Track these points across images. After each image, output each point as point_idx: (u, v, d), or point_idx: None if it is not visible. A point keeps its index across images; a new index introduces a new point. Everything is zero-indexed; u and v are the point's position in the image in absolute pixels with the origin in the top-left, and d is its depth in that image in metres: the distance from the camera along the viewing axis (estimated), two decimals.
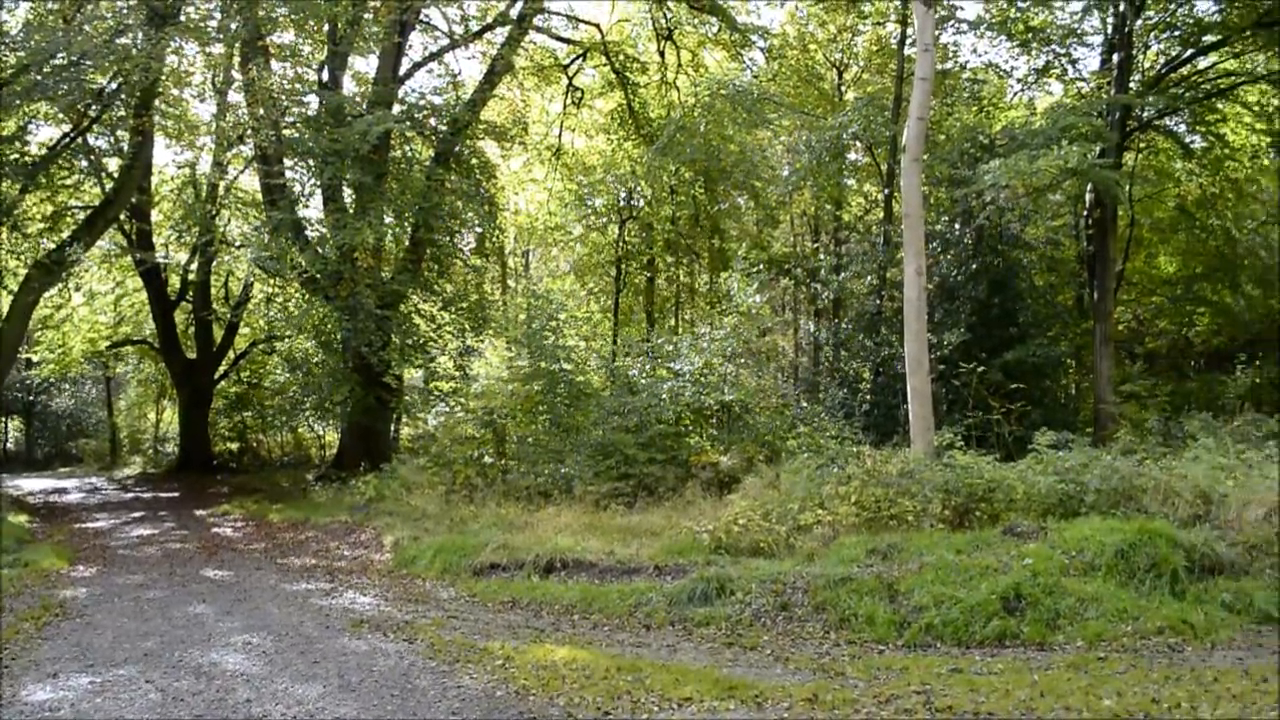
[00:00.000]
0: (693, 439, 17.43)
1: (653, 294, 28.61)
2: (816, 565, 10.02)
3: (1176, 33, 20.39)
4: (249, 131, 19.70)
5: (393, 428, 25.38)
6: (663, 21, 25.02)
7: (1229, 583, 9.02)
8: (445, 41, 22.91)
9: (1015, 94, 23.49)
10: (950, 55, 22.38)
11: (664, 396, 17.21)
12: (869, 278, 20.73)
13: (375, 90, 20.45)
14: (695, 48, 26.09)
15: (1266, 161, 23.20)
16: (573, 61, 26.16)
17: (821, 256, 25.46)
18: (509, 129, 23.37)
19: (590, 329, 24.49)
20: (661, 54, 25.57)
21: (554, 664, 7.82)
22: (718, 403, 17.39)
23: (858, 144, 23.01)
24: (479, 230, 22.77)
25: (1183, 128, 22.22)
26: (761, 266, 21.72)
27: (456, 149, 20.98)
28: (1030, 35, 19.95)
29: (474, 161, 21.69)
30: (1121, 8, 18.67)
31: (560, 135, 27.13)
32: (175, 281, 27.00)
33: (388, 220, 19.81)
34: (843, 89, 26.25)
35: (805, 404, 19.40)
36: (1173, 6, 19.79)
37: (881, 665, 7.74)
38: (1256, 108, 21.69)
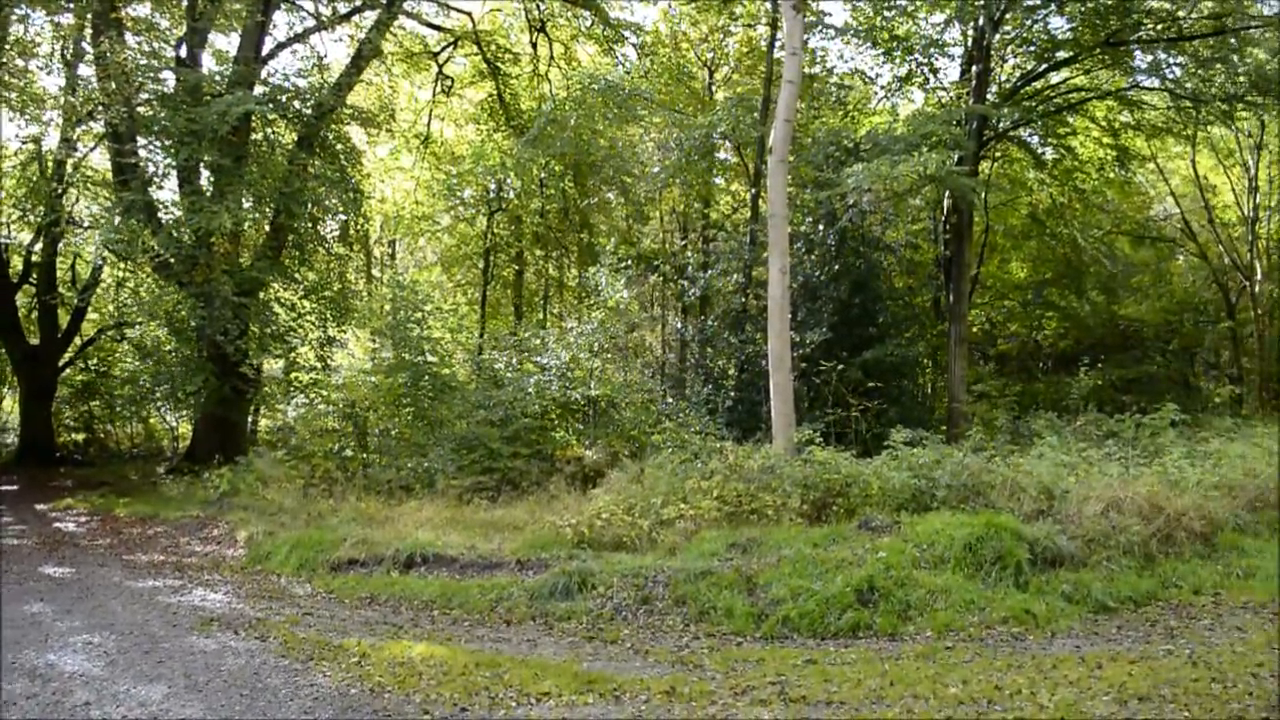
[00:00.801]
0: (558, 433, 17.38)
1: (521, 287, 28.44)
2: (678, 559, 10.09)
3: (1031, 48, 21.21)
4: (100, 107, 18.75)
5: (250, 419, 24.58)
6: (535, 13, 24.88)
7: (1069, 574, 9.45)
8: (311, 22, 22.30)
9: (880, 100, 24.13)
10: (819, 60, 22.87)
11: (530, 390, 17.11)
12: (735, 276, 20.99)
13: (236, 70, 19.71)
14: (568, 41, 26.02)
15: (1112, 174, 24.35)
16: (443, 49, 25.77)
17: (689, 254, 25.68)
18: (376, 115, 22.86)
19: (457, 321, 24.15)
20: (534, 45, 25.42)
21: (411, 661, 7.68)
22: (584, 397, 17.39)
23: (727, 143, 23.29)
24: (343, 218, 22.22)
25: (1035, 139, 23.15)
26: (630, 262, 21.80)
27: (321, 134, 20.42)
28: (895, 44, 20.46)
29: (339, 147, 21.12)
30: (981, 21, 19.30)
31: (429, 124, 26.71)
32: (18, 263, 25.56)
33: (247, 205, 19.13)
34: (713, 88, 26.53)
35: (671, 399, 19.54)
36: (1028, 23, 20.54)
37: (739, 657, 7.84)
38: (1104, 122, 22.71)
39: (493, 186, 26.43)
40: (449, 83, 26.04)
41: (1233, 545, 10.90)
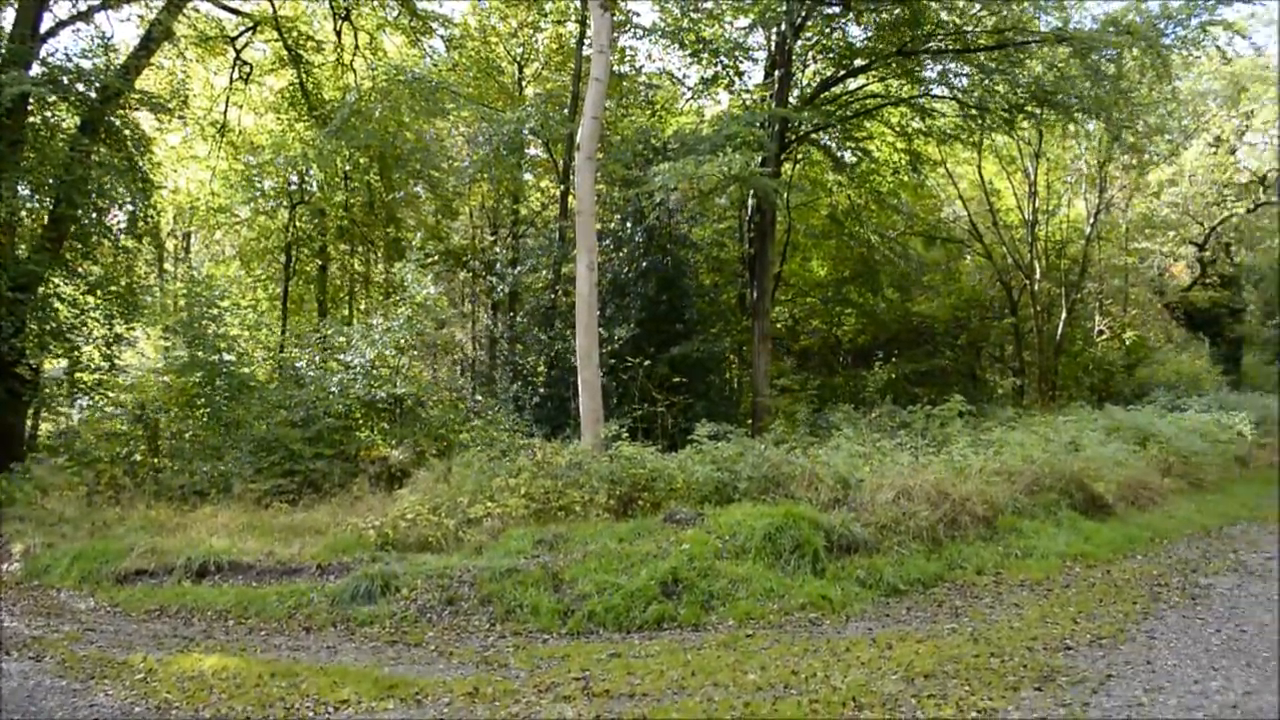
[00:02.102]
0: (363, 433, 16.89)
1: (325, 283, 27.51)
2: (484, 558, 9.97)
3: (831, 55, 21.99)
4: None
5: (30, 424, 22.92)
6: (340, 1, 24.14)
7: (863, 560, 9.83)
8: (96, 0, 20.94)
9: (687, 100, 24.50)
10: (627, 59, 23.05)
11: (333, 389, 16.58)
12: (544, 272, 20.96)
13: (10, 48, 18.31)
14: (374, 30, 25.31)
15: (905, 177, 25.51)
16: (241, 34, 24.63)
17: (499, 250, 25.48)
18: (167, 101, 21.66)
19: (256, 318, 23.16)
20: (338, 33, 24.62)
21: (201, 674, 7.31)
22: (390, 396, 16.97)
23: (536, 139, 23.21)
24: (131, 209, 20.95)
25: (834, 142, 24.00)
26: (438, 258, 21.43)
27: (107, 119, 19.20)
28: (701, 46, 20.79)
29: (126, 134, 19.90)
30: (783, 28, 19.85)
31: (226, 111, 25.51)
32: None
33: (23, 193, 17.82)
34: (523, 84, 26.37)
35: (480, 397, 19.36)
36: (827, 31, 21.28)
37: (544, 654, 7.81)
38: (898, 128, 23.77)
39: (294, 178, 25.48)
40: (247, 69, 24.94)
41: (1011, 527, 11.61)
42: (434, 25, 23.54)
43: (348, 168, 24.43)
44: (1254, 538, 12.69)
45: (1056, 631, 7.96)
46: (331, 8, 24.20)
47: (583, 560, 9.40)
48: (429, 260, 19.74)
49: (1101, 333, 31.24)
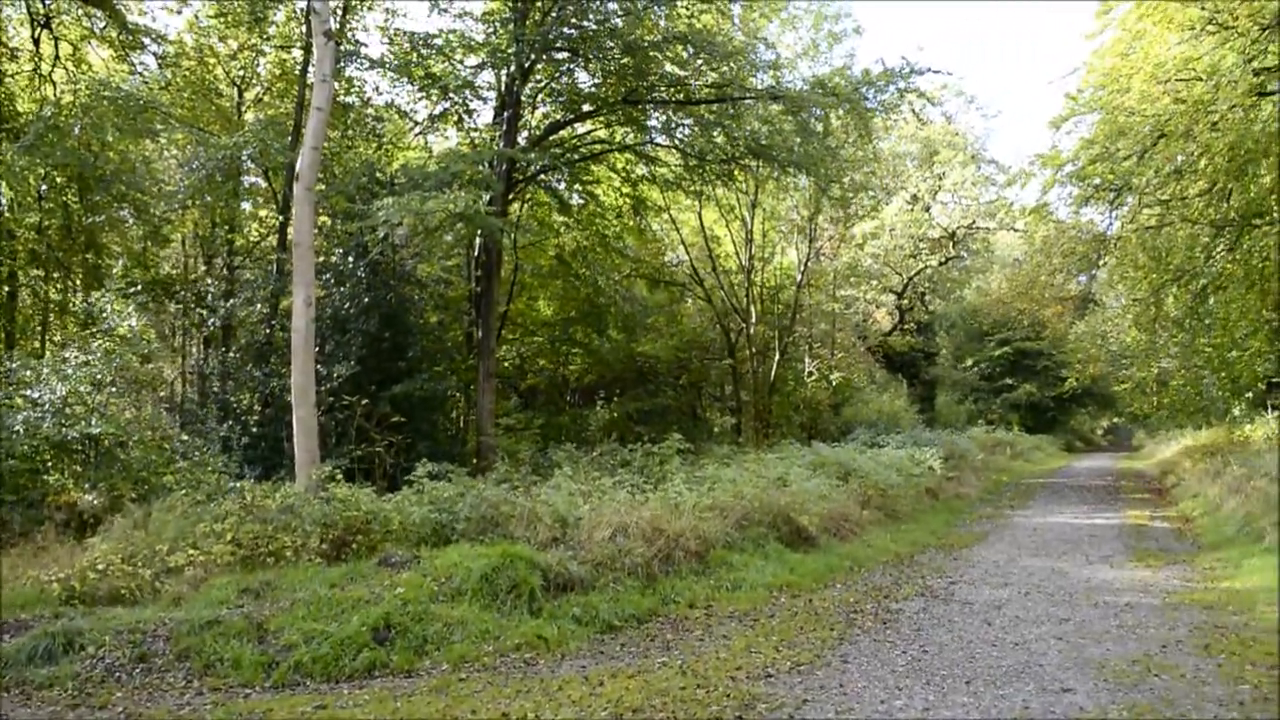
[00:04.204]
0: (53, 477, 15.51)
1: (14, 311, 25.19)
2: (183, 609, 9.32)
3: (560, 99, 22.37)
4: None
5: None
6: (40, 7, 22.34)
7: (579, 597, 9.92)
8: None
9: (415, 135, 24.24)
10: (354, 89, 22.55)
11: (18, 429, 15.15)
12: (260, 305, 20.08)
13: None
14: (78, 40, 23.60)
15: (630, 221, 26.25)
16: None
17: (211, 281, 24.20)
18: None
19: None
20: (36, 41, 22.79)
21: None
22: (84, 435, 15.68)
23: (255, 167, 22.29)
24: None
25: (562, 185, 24.37)
26: (143, 287, 20.08)
27: None
28: (431, 82, 20.65)
29: None
30: (512, 69, 20.02)
31: None
32: None
33: None
34: (243, 108, 25.29)
35: (187, 437, 18.19)
36: (557, 75, 21.65)
37: (245, 710, 7.38)
38: (623, 173, 24.43)
39: None
40: None
41: (723, 561, 12.06)
42: (145, 41, 22.20)
43: (43, 186, 22.53)
44: (939, 564, 13.74)
45: (760, 660, 8.29)
46: (29, 13, 22.37)
47: (290, 608, 8.98)
48: (132, 289, 18.45)
49: (811, 373, 33.19)
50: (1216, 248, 21.51)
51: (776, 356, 30.24)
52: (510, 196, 21.43)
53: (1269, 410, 25.45)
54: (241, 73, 25.03)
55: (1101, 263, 24.43)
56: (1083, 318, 40.70)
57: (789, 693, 7.35)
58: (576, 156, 23.05)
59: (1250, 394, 25.02)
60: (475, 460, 18.47)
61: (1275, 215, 21.19)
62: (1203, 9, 17.32)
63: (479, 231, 19.67)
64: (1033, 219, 25.41)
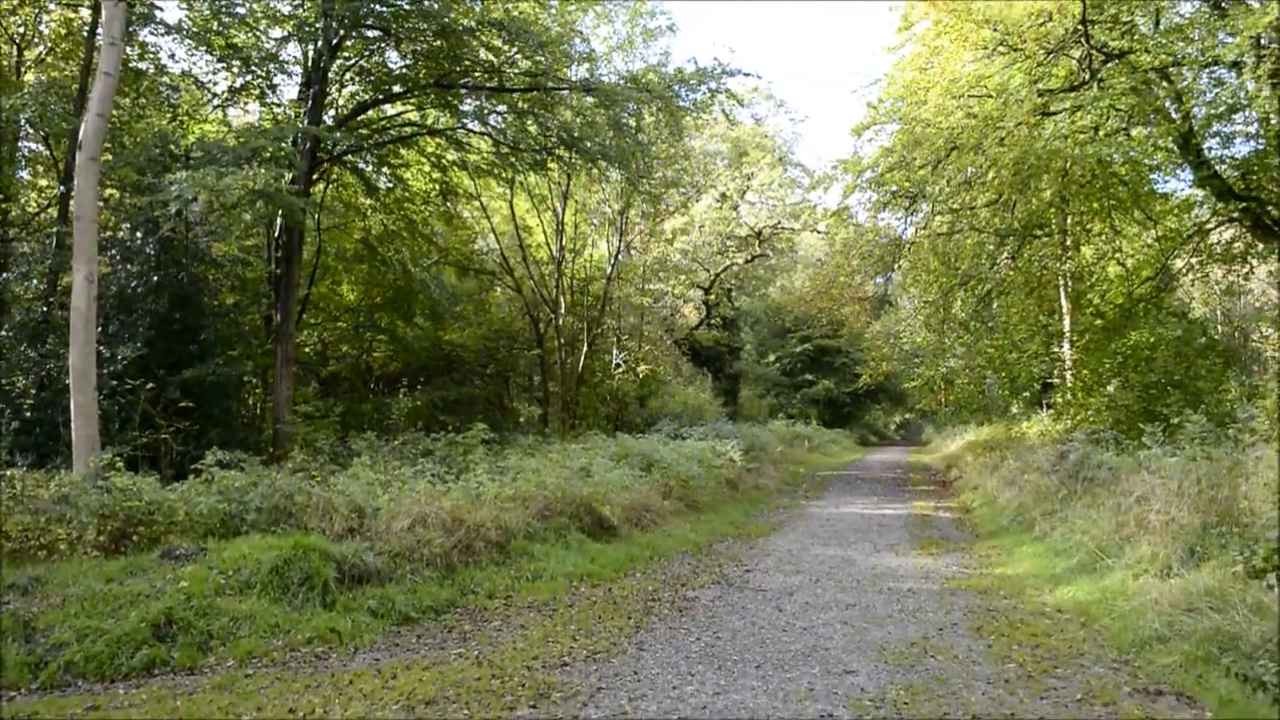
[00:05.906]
0: None
1: None
2: None
3: (370, 78, 21.76)
4: None
5: None
6: None
7: (375, 589, 9.72)
8: None
9: (214, 108, 23.11)
10: (148, 55, 21.31)
11: None
12: (37, 281, 18.75)
13: None
14: None
15: (439, 206, 25.82)
16: None
17: None
18: None
19: None
20: None
21: None
22: None
23: (34, 132, 20.80)
24: None
25: (370, 166, 23.73)
26: None
27: None
28: (232, 52, 19.74)
29: None
30: (320, 44, 19.35)
31: None
32: None
33: None
34: (22, 69, 23.53)
35: None
36: (367, 53, 21.05)
37: (8, 714, 6.91)
38: (433, 158, 23.99)
39: None
40: None
41: (524, 551, 12.07)
42: None
43: None
44: (736, 552, 14.14)
45: (557, 649, 8.33)
46: None
47: (62, 605, 8.43)
48: None
49: (619, 366, 33.53)
50: (1000, 255, 22.92)
51: (585, 348, 30.40)
52: (314, 176, 20.73)
53: (1043, 409, 27.28)
54: (21, 29, 23.28)
55: (897, 266, 25.54)
56: (879, 318, 42.69)
57: (584, 681, 7.41)
58: (385, 138, 22.50)
59: (1027, 393, 26.72)
60: (271, 449, 17.82)
61: (1054, 227, 22.79)
62: (994, 30, 18.38)
63: (279, 211, 18.90)
64: (834, 221, 26.33)
